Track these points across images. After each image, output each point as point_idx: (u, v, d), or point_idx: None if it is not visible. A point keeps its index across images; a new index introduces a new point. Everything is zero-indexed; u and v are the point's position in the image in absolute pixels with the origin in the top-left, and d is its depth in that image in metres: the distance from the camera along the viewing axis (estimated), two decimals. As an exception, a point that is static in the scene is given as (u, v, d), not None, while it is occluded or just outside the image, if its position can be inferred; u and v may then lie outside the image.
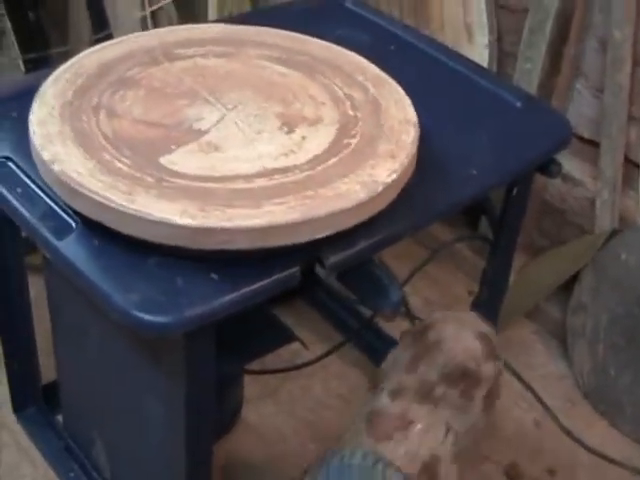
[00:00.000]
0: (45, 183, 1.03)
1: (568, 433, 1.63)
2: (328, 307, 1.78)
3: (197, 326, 0.93)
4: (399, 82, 1.21)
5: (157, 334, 0.94)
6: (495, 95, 1.33)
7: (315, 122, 1.12)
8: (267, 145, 1.07)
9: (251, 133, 1.09)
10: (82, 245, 0.98)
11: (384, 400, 1.21)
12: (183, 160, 1.03)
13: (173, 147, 1.05)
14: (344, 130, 1.11)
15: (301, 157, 1.05)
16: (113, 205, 0.95)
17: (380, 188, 1.01)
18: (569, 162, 1.71)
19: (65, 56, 2.10)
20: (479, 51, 1.74)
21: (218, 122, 1.10)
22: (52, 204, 1.03)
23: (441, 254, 1.84)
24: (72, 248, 0.98)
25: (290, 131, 1.10)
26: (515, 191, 1.30)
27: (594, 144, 1.70)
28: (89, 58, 1.19)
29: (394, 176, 1.03)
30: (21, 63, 2.04)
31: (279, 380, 1.64)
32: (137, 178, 0.98)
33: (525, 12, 1.70)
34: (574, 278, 1.72)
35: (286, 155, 1.05)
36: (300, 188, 0.99)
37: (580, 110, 1.72)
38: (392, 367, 1.25)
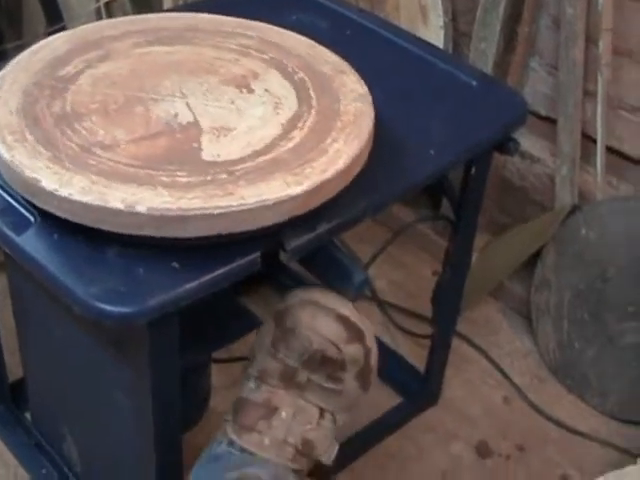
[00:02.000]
0: (2, 178, 1.03)
1: (536, 409, 1.65)
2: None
3: (160, 315, 0.93)
4: (355, 66, 1.21)
5: (120, 324, 0.94)
6: (451, 75, 1.33)
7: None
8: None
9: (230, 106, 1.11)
10: (42, 239, 0.98)
11: (250, 386, 1.19)
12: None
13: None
14: (298, 113, 1.11)
15: (254, 144, 1.05)
16: (67, 196, 0.94)
17: (337, 171, 1.01)
18: (527, 140, 1.72)
19: (20, 50, 2.09)
20: (434, 32, 1.75)
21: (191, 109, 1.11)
22: (9, 199, 1.02)
23: (404, 235, 1.84)
24: (32, 243, 0.98)
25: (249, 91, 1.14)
26: (473, 170, 1.31)
27: (551, 121, 1.72)
28: (37, 53, 1.18)
29: (350, 158, 1.03)
30: (-24, 60, 2.02)
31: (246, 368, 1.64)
32: (91, 167, 0.98)
33: (479, -8, 1.71)
34: (536, 255, 1.74)
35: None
36: (258, 173, 0.99)
37: (536, 87, 1.73)
38: (258, 348, 1.21)
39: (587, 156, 1.68)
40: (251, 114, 1.11)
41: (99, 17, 2.22)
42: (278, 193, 0.96)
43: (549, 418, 1.64)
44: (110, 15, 2.22)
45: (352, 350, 1.16)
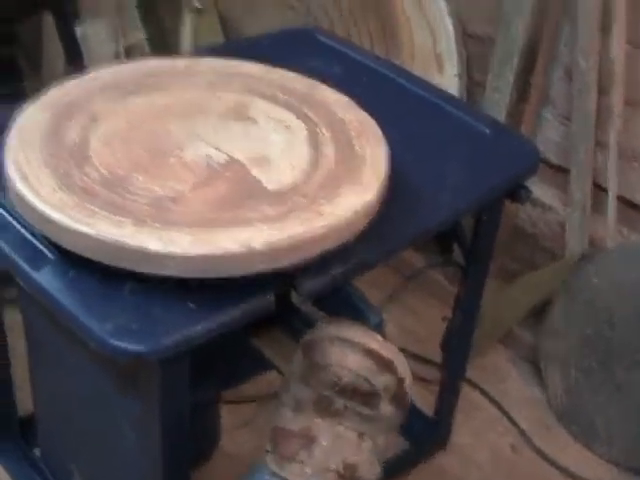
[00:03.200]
0: (19, 213, 1.04)
1: (544, 456, 1.65)
2: (304, 333, 1.78)
3: (172, 353, 0.94)
4: (371, 112, 1.23)
5: (133, 361, 0.95)
6: (465, 123, 1.35)
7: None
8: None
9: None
10: (58, 275, 0.99)
11: (287, 415, 1.19)
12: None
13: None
14: (313, 160, 1.13)
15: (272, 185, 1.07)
16: (88, 235, 0.96)
17: (353, 215, 1.03)
18: (539, 187, 1.74)
19: (39, 89, 2.12)
20: (449, 81, 1.77)
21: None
22: (28, 235, 1.04)
23: (415, 281, 1.86)
24: (48, 278, 0.99)
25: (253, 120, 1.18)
26: (485, 217, 1.32)
27: (562, 170, 1.73)
28: (58, 93, 1.20)
29: (366, 203, 1.05)
30: (-6, 97, 2.05)
31: (255, 409, 1.65)
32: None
33: (492, 41, 1.73)
34: (546, 303, 1.74)
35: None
36: (269, 219, 1.01)
37: (548, 137, 1.75)
38: (291, 377, 1.21)
39: (598, 205, 1.70)
40: (272, 140, 1.14)
41: (118, 59, 2.25)
42: (296, 236, 0.98)
43: (556, 466, 1.64)
44: (129, 57, 2.25)
45: (383, 381, 1.16)
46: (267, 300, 0.99)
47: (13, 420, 1.51)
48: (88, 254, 0.97)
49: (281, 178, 1.08)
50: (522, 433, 1.69)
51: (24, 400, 1.48)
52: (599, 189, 1.69)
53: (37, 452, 1.50)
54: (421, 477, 1.58)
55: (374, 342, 1.16)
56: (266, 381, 1.62)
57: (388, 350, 1.17)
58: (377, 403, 1.16)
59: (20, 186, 1.02)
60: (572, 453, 1.66)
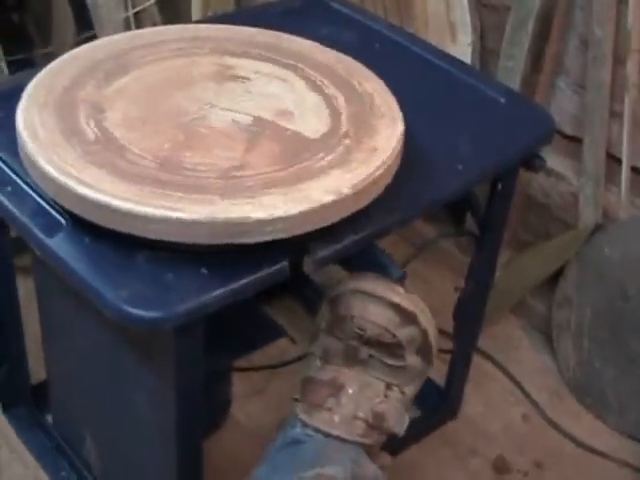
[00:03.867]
0: (34, 181, 1.04)
1: (555, 426, 1.65)
2: (315, 303, 1.78)
3: (187, 320, 0.94)
4: (384, 79, 1.22)
5: (148, 329, 0.95)
6: (479, 91, 1.34)
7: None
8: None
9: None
10: (72, 242, 0.99)
11: (315, 365, 1.21)
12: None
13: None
14: (326, 126, 1.12)
15: (284, 152, 1.06)
16: (100, 202, 0.95)
17: (366, 183, 1.02)
18: (552, 158, 1.72)
19: (48, 57, 2.11)
20: (462, 49, 1.75)
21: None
22: (42, 202, 1.04)
23: (427, 251, 1.85)
24: (63, 245, 0.99)
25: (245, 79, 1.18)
26: (500, 186, 1.31)
27: (576, 140, 1.72)
28: (76, 56, 1.20)
29: (380, 171, 1.04)
30: (4, 65, 2.04)
31: (267, 377, 1.65)
32: (125, 173, 0.99)
33: (507, 10, 1.71)
34: (559, 273, 1.74)
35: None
36: (286, 183, 1.00)
37: (562, 106, 1.73)
38: (319, 330, 1.23)
39: (611, 175, 1.69)
40: (278, 94, 1.16)
41: (127, 26, 2.24)
42: (311, 204, 0.98)
43: (567, 436, 1.64)
44: (139, 25, 2.24)
45: (406, 333, 1.18)
46: (281, 268, 0.99)
47: (25, 387, 1.52)
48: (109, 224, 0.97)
49: (317, 127, 1.10)
50: (534, 403, 1.69)
51: (36, 367, 1.49)
52: (613, 159, 1.68)
53: (49, 419, 1.51)
54: (432, 446, 1.58)
55: (396, 295, 1.18)
56: (277, 349, 1.64)
57: (410, 302, 1.19)
58: (402, 354, 1.18)
59: (35, 152, 1.01)
60: (584, 423, 1.67)
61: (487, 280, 1.47)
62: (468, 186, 1.23)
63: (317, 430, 1.16)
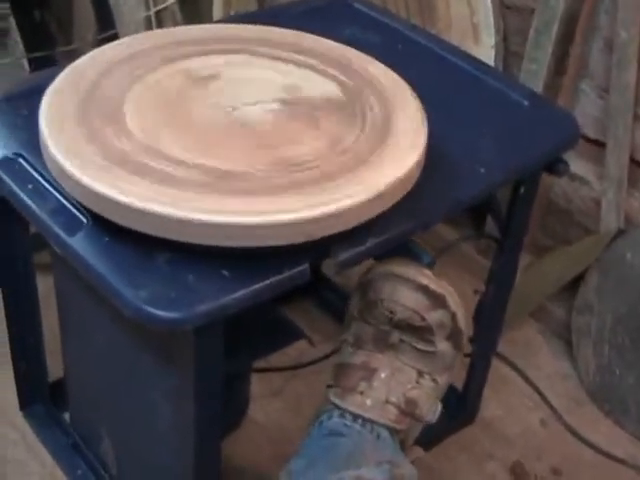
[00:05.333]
0: (55, 179, 1.04)
1: (573, 432, 1.64)
2: (334, 305, 1.78)
3: (207, 321, 0.93)
4: (407, 81, 1.21)
5: (168, 329, 0.95)
6: (502, 94, 1.33)
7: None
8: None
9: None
10: (93, 241, 0.99)
11: (347, 351, 1.22)
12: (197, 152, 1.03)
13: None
14: (352, 127, 1.11)
15: (308, 154, 1.06)
16: (121, 202, 0.95)
17: (389, 186, 1.01)
18: (574, 162, 1.71)
19: (70, 55, 2.11)
20: (485, 51, 1.75)
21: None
22: (63, 200, 1.03)
23: (446, 254, 1.84)
24: (83, 244, 0.99)
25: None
26: (522, 189, 1.30)
27: (599, 144, 1.71)
28: (100, 55, 1.19)
29: (403, 174, 1.03)
30: (25, 62, 2.04)
31: (285, 378, 1.65)
32: (148, 173, 0.99)
33: (531, 12, 1.71)
34: (579, 278, 1.73)
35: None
36: (308, 185, 1.00)
37: (585, 110, 1.72)
38: (351, 318, 1.24)
39: (634, 181, 1.67)
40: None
41: (149, 25, 2.24)
42: (334, 207, 0.97)
43: (586, 442, 1.63)
44: (160, 24, 2.24)
45: (436, 316, 1.18)
46: (303, 270, 0.98)
47: (43, 385, 1.52)
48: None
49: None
50: (552, 409, 1.67)
51: (54, 365, 1.49)
52: (636, 164, 1.66)
53: (67, 417, 1.51)
54: (449, 451, 1.58)
55: (425, 278, 1.18)
56: (296, 350, 1.63)
57: (439, 285, 1.19)
58: (432, 339, 1.18)
59: (57, 150, 1.01)
60: (603, 430, 1.65)
61: (508, 284, 1.46)
62: (491, 190, 1.22)
63: (351, 414, 1.16)
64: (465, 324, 1.23)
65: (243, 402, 1.53)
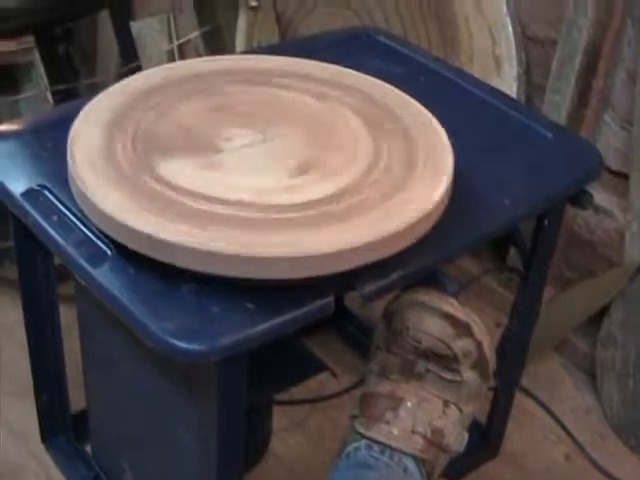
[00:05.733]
0: (80, 211, 1.04)
1: (599, 468, 1.62)
2: (356, 337, 1.77)
3: (231, 354, 0.93)
4: (431, 113, 1.21)
5: (191, 361, 0.95)
6: (526, 126, 1.33)
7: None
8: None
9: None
10: (117, 272, 0.99)
11: (373, 380, 1.21)
12: (221, 188, 1.03)
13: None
14: (376, 159, 1.11)
15: (334, 187, 1.05)
16: (145, 234, 0.95)
17: (415, 221, 1.01)
18: (597, 194, 1.70)
19: (93, 88, 2.13)
20: (508, 83, 1.74)
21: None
22: (87, 232, 1.03)
23: (468, 286, 1.83)
24: (107, 275, 0.99)
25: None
26: (546, 222, 1.29)
27: (622, 176, 1.70)
28: (126, 87, 1.20)
29: (429, 208, 1.03)
30: (49, 95, 2.06)
31: (307, 411, 1.64)
32: (172, 205, 0.99)
33: (553, 44, 1.71)
34: (603, 311, 1.71)
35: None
36: (334, 219, 1.00)
37: (608, 142, 1.72)
38: (376, 348, 1.24)
39: (658, 213, 1.66)
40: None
41: (172, 58, 2.25)
42: (360, 241, 0.97)
43: (611, 477, 1.61)
44: (183, 56, 2.25)
45: (462, 344, 1.18)
46: (327, 303, 0.98)
47: (65, 416, 1.52)
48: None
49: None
50: (576, 443, 1.66)
51: (76, 397, 1.48)
52: (660, 196, 1.65)
53: (89, 449, 1.51)
54: (472, 485, 1.56)
55: (450, 306, 1.18)
56: (317, 383, 1.62)
57: (464, 313, 1.19)
58: (458, 368, 1.18)
59: (83, 183, 1.02)
60: (628, 465, 1.63)
61: (532, 317, 1.45)
62: (515, 222, 1.22)
63: (378, 443, 1.16)
64: (491, 353, 1.22)
65: (265, 435, 1.52)
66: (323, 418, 1.63)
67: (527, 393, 1.73)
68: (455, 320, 1.17)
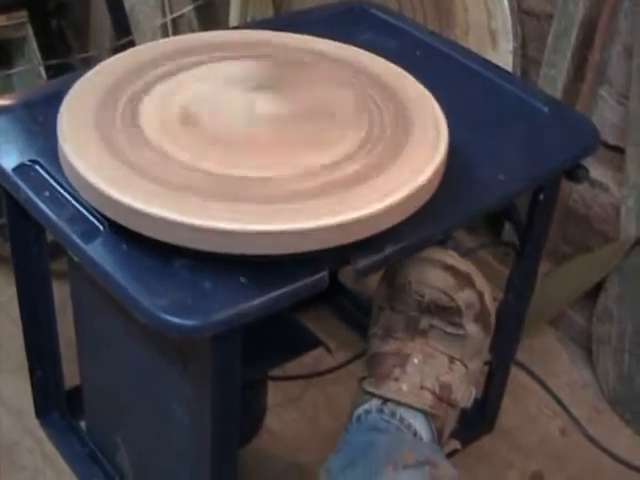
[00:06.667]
0: (72, 187, 1.03)
1: (594, 442, 1.62)
2: (351, 313, 1.77)
3: (225, 329, 0.93)
4: (425, 86, 1.21)
5: (185, 337, 0.94)
6: (522, 100, 1.32)
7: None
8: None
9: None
10: (110, 248, 0.98)
11: (378, 342, 1.22)
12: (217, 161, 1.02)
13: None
14: (370, 134, 1.10)
15: (327, 158, 1.05)
16: (136, 209, 0.95)
17: (409, 195, 1.00)
18: (593, 168, 1.69)
19: (86, 62, 2.12)
20: (503, 57, 1.73)
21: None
22: (80, 207, 1.03)
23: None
24: (100, 251, 0.98)
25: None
26: (542, 196, 1.29)
27: (618, 150, 1.69)
28: (117, 62, 1.19)
29: (423, 182, 1.02)
30: (42, 70, 2.05)
31: (302, 387, 1.64)
32: (165, 180, 0.98)
33: (549, 18, 1.69)
34: (599, 285, 1.71)
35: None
36: (328, 192, 0.99)
37: (604, 116, 1.71)
38: (378, 311, 1.25)
39: (655, 187, 1.66)
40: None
41: (165, 32, 2.24)
42: (353, 215, 0.96)
43: (606, 452, 1.61)
44: (176, 31, 2.24)
45: (464, 296, 1.19)
46: (321, 277, 0.97)
47: (60, 393, 1.51)
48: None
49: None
50: (572, 417, 1.66)
51: (70, 373, 1.48)
52: (656, 171, 1.65)
53: (83, 425, 1.51)
54: (468, 460, 1.56)
55: (451, 258, 1.20)
56: (312, 358, 1.62)
57: (464, 264, 1.21)
58: (461, 322, 1.19)
59: (74, 158, 1.01)
60: (623, 439, 1.63)
61: (527, 292, 1.45)
62: (511, 197, 1.21)
63: (387, 401, 1.17)
64: (492, 304, 1.24)
65: (259, 411, 1.52)
66: (318, 394, 1.63)
67: (523, 367, 1.73)
68: (456, 271, 1.19)
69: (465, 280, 1.20)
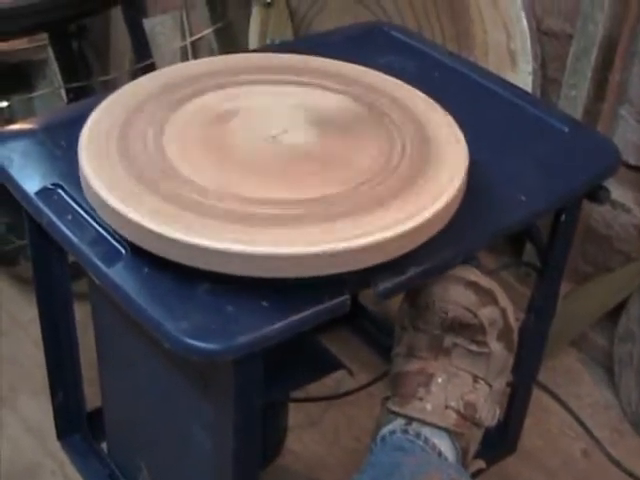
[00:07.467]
0: (94, 210, 1.04)
1: (616, 464, 1.61)
2: (372, 334, 1.77)
3: (247, 352, 0.93)
4: (444, 108, 1.21)
5: (207, 360, 0.94)
6: (542, 121, 1.32)
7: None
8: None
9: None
10: (132, 272, 0.98)
11: (401, 361, 1.22)
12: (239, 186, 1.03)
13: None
14: (390, 156, 1.10)
15: (348, 182, 1.05)
16: (159, 233, 0.95)
17: (431, 217, 1.00)
18: (614, 188, 1.68)
19: (107, 85, 2.13)
20: (523, 78, 1.73)
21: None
22: (102, 230, 1.03)
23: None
24: (122, 275, 0.98)
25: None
26: (563, 217, 1.28)
27: (639, 170, 1.69)
28: (139, 85, 1.20)
29: (445, 203, 1.02)
30: (63, 92, 2.06)
31: (323, 408, 1.63)
32: (187, 205, 0.98)
33: (569, 38, 1.69)
34: (620, 306, 1.70)
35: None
36: (348, 216, 0.99)
37: (625, 136, 1.70)
38: (401, 331, 1.25)
39: (676, 207, 1.65)
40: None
41: (185, 55, 2.25)
42: (374, 238, 0.96)
43: (628, 473, 1.60)
44: (196, 53, 2.25)
45: (487, 312, 1.19)
46: (343, 301, 0.97)
47: (81, 414, 1.52)
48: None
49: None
50: (594, 439, 1.65)
51: (92, 395, 1.48)
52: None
53: (104, 447, 1.51)
54: (490, 482, 1.55)
55: (473, 275, 1.19)
56: (333, 380, 1.62)
57: (487, 281, 1.20)
58: (485, 340, 1.19)
59: (96, 182, 1.01)
60: (646, 462, 1.62)
61: (549, 312, 1.44)
62: (532, 218, 1.21)
63: (412, 420, 1.17)
64: (514, 322, 1.23)
65: (280, 433, 1.52)
66: (339, 415, 1.63)
67: (545, 389, 1.72)
68: (479, 287, 1.19)
69: (488, 296, 1.20)
